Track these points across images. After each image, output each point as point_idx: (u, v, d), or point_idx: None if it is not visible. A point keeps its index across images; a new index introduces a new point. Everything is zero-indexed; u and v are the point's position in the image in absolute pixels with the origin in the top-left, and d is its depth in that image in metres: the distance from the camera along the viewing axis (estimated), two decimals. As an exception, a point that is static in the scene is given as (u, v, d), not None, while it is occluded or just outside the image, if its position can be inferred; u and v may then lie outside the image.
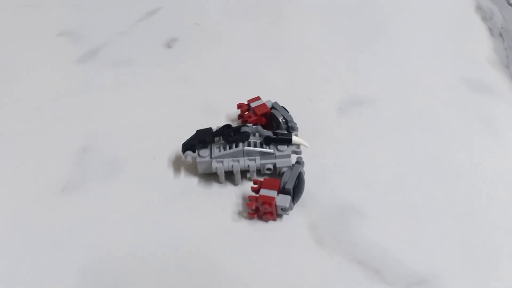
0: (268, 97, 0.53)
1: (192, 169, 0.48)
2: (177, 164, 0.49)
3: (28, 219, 0.45)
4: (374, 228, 0.44)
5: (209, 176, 0.48)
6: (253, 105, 0.52)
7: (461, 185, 0.47)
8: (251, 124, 0.49)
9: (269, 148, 0.46)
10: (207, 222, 0.44)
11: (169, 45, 0.66)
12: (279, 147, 0.46)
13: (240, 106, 0.52)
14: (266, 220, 0.44)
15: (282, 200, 0.43)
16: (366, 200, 0.46)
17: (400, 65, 0.63)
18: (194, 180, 0.48)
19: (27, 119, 0.56)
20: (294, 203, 0.44)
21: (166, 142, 0.51)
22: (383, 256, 0.42)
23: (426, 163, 0.50)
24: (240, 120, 0.53)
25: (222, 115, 0.55)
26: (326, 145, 0.51)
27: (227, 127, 0.46)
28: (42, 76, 0.62)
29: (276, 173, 0.47)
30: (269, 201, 0.42)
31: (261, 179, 0.45)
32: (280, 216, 0.44)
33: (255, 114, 0.51)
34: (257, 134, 0.47)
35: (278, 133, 0.47)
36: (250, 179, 0.47)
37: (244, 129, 0.46)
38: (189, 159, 0.46)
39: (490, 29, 0.68)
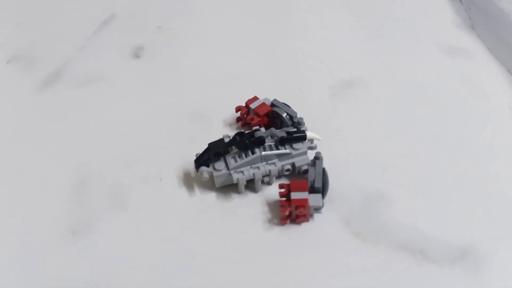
0: (258, 95, 0.51)
1: (206, 184, 0.46)
2: (188, 182, 0.46)
3: (40, 270, 0.40)
4: (404, 210, 0.44)
5: (226, 188, 0.45)
6: (252, 106, 0.49)
7: (468, 150, 0.49)
8: (258, 127, 0.47)
9: (285, 149, 0.45)
10: (237, 238, 0.42)
11: (136, 54, 0.62)
12: (295, 145, 0.45)
13: (238, 109, 0.50)
14: (300, 223, 0.43)
15: (315, 199, 0.41)
16: (387, 184, 0.46)
17: (379, 42, 0.63)
18: (211, 195, 0.45)
19: (5, 162, 0.49)
20: (323, 200, 0.43)
21: (168, 159, 0.48)
22: (421, 236, 0.42)
23: (429, 133, 0.51)
24: (240, 123, 0.51)
25: (216, 120, 0.52)
26: (331, 134, 0.50)
27: (240, 135, 0.44)
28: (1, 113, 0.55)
29: (295, 172, 0.46)
30: (303, 203, 0.41)
31: (283, 182, 0.43)
32: (312, 216, 0.43)
33: (258, 115, 0.49)
34: (269, 137, 0.45)
35: (291, 131, 0.45)
36: (268, 184, 0.45)
37: (258, 134, 0.44)
38: (206, 175, 0.43)
39: (447, -6, 0.70)
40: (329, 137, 0.50)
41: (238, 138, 0.44)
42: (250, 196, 0.45)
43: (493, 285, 0.39)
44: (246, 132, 0.45)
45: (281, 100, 0.50)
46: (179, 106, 0.54)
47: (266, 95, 0.51)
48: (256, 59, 0.61)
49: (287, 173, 0.45)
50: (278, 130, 0.45)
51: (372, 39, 0.63)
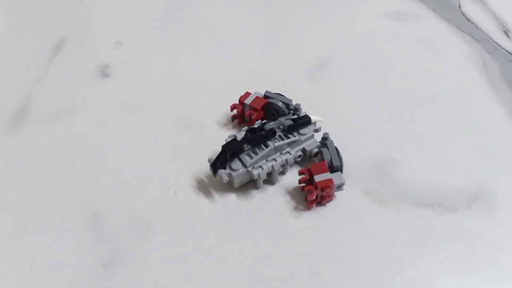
0: (237, 91, 0.51)
1: (223, 187, 0.45)
2: (204, 189, 0.46)
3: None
4: (411, 169, 0.47)
5: (243, 187, 0.45)
6: (247, 101, 0.50)
7: (443, 101, 0.54)
8: (259, 121, 0.47)
9: (294, 136, 0.46)
10: (273, 232, 0.42)
11: (104, 73, 0.59)
12: (301, 131, 0.46)
13: (234, 107, 0.50)
14: (325, 204, 0.44)
15: (337, 178, 0.43)
16: (388, 149, 0.49)
17: (331, 20, 0.66)
18: (232, 197, 0.45)
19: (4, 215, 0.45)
20: (342, 177, 0.45)
21: (175, 173, 0.47)
22: (434, 190, 0.45)
23: (406, 93, 0.55)
24: (236, 121, 0.51)
25: (209, 124, 0.52)
26: (322, 114, 0.51)
27: (251, 131, 0.44)
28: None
29: (306, 157, 0.47)
30: (329, 183, 0.42)
31: (300, 168, 0.45)
32: (334, 195, 0.44)
33: (255, 110, 0.49)
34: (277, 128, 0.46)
35: (295, 118, 0.46)
36: (282, 174, 0.46)
37: (268, 126, 0.44)
38: (225, 177, 0.43)
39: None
40: (322, 116, 0.51)
41: (250, 134, 0.44)
42: (269, 189, 0.46)
43: (508, 220, 0.42)
44: (256, 127, 0.45)
45: (262, 91, 0.51)
46: (166, 118, 0.53)
47: (248, 90, 0.52)
48: (225, 57, 0.61)
49: (299, 159, 0.46)
50: (283, 119, 0.46)
51: (322, 17, 0.66)
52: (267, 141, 0.44)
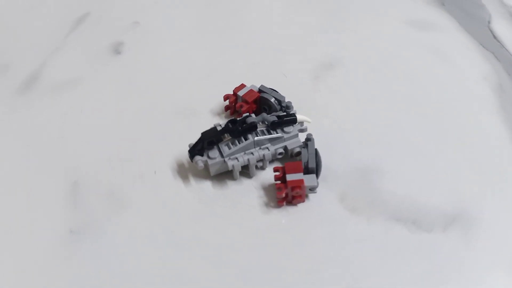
0: (238, 82, 0.51)
1: (201, 174, 0.46)
2: (183, 173, 0.47)
3: (42, 272, 0.40)
4: (395, 181, 0.45)
5: (221, 176, 0.46)
6: (240, 93, 0.50)
7: (447, 118, 0.51)
8: (247, 114, 0.47)
9: (277, 133, 0.45)
10: (238, 223, 0.43)
11: (117, 50, 0.61)
12: (285, 129, 0.46)
13: (227, 97, 0.51)
14: (296, 204, 0.44)
15: (309, 180, 0.43)
16: (377, 157, 0.47)
17: (349, 21, 0.65)
18: (207, 184, 0.46)
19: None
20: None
21: (160, 154, 0.48)
22: (413, 206, 0.43)
23: (409, 105, 0.53)
24: (229, 111, 0.52)
25: (204, 112, 0.53)
26: (318, 114, 0.51)
27: (232, 122, 0.44)
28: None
29: (288, 155, 0.47)
30: (299, 184, 0.42)
31: (277, 166, 0.44)
32: (307, 196, 0.44)
33: (246, 102, 0.49)
34: (260, 122, 0.46)
35: (281, 115, 0.46)
36: (262, 169, 0.46)
37: (249, 119, 0.45)
38: (201, 164, 0.44)
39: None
40: (317, 117, 0.50)
41: (230, 125, 0.44)
42: (245, 182, 0.46)
43: (484, 247, 0.41)
44: (238, 119, 0.45)
45: (266, 85, 0.51)
46: (165, 101, 0.54)
47: (250, 82, 0.52)
48: (234, 48, 0.61)
49: (280, 156, 0.46)
50: (269, 115, 0.46)
51: (342, 18, 0.65)
52: (248, 135, 0.45)
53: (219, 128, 0.45)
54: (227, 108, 0.51)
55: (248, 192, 0.45)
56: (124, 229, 0.43)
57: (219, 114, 0.52)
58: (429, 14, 0.65)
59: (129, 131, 0.51)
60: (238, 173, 0.45)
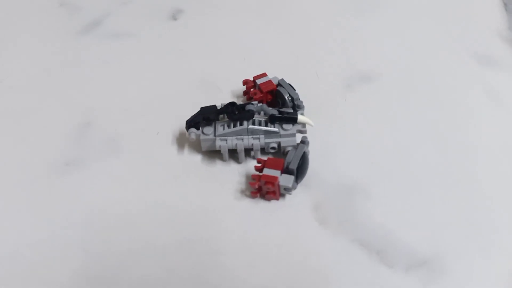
0: (274, 73, 0.52)
1: (196, 147, 0.48)
2: (181, 141, 0.49)
3: (30, 195, 0.45)
4: (379, 208, 0.44)
5: (213, 153, 0.47)
6: (259, 81, 0.51)
7: (468, 162, 0.47)
8: (256, 102, 0.48)
9: (274, 127, 0.46)
10: (209, 200, 0.44)
11: (174, 16, 0.65)
12: (284, 126, 0.46)
13: (245, 82, 0.52)
14: (269, 200, 0.44)
15: (285, 180, 0.42)
16: (371, 179, 0.46)
17: (408, 37, 0.61)
18: (198, 157, 0.48)
19: (22, 93, 0.55)
20: (297, 183, 0.44)
21: (170, 118, 0.51)
22: (386, 237, 0.42)
23: (434, 140, 0.49)
24: (246, 97, 0.52)
25: (226, 91, 0.54)
26: (332, 122, 0.51)
27: (231, 104, 0.45)
28: (39, 48, 0.61)
29: (280, 152, 0.47)
30: (272, 180, 0.42)
31: (266, 158, 0.45)
32: (283, 195, 0.44)
33: (261, 91, 0.50)
34: (262, 113, 0.47)
35: (283, 111, 0.46)
36: (254, 158, 0.47)
37: (248, 107, 0.45)
38: (193, 136, 0.46)
39: (505, 4, 0.66)
40: (328, 123, 0.50)
41: (229, 107, 0.45)
42: (233, 166, 0.47)
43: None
44: (239, 103, 0.46)
45: (294, 81, 0.51)
46: (196, 73, 0.57)
47: (282, 74, 0.52)
48: (281, 36, 0.61)
49: (272, 151, 0.46)
50: (270, 108, 0.47)
51: (405, 35, 0.61)
52: (244, 121, 0.45)
53: (218, 107, 0.46)
54: (245, 93, 0.52)
55: (231, 175, 0.46)
56: (110, 171, 0.47)
57: (238, 97, 0.54)
58: (498, 49, 0.60)
59: (153, 90, 0.55)
60: (227, 155, 0.46)
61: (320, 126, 0.49)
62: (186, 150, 0.48)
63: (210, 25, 0.63)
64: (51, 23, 0.64)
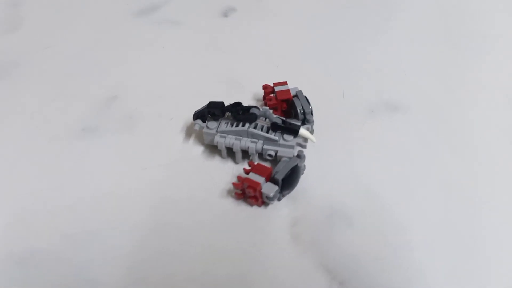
0: (302, 84, 0.52)
1: (202, 139, 0.50)
2: (190, 131, 0.51)
3: (44, 152, 0.49)
4: (357, 239, 0.42)
5: (215, 149, 0.49)
6: (277, 89, 0.51)
7: (474, 222, 0.43)
8: (267, 107, 0.48)
9: (275, 135, 0.46)
10: (195, 191, 0.45)
11: (225, 14, 0.67)
12: (285, 136, 0.46)
13: (265, 87, 0.52)
14: (251, 204, 0.44)
15: (268, 188, 0.42)
16: (359, 209, 0.44)
17: (447, 73, 0.58)
18: (200, 149, 0.49)
19: (70, 58, 0.61)
20: (283, 195, 0.44)
21: (188, 107, 0.52)
22: (354, 269, 0.40)
23: (442, 186, 0.46)
24: (264, 101, 0.53)
25: (248, 91, 0.55)
26: (341, 143, 0.50)
27: (237, 104, 0.46)
28: (96, 22, 0.66)
29: (277, 161, 0.47)
30: (254, 186, 0.42)
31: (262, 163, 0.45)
32: (266, 203, 0.44)
33: (276, 99, 0.50)
34: (267, 119, 0.47)
35: (287, 122, 0.46)
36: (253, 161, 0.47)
37: (253, 110, 0.46)
38: (197, 127, 0.47)
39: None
40: (337, 144, 0.49)
41: (234, 107, 0.46)
42: (229, 164, 0.48)
43: None
44: (245, 105, 0.47)
45: (319, 96, 0.51)
46: (227, 69, 0.59)
47: (310, 87, 0.52)
48: (319, 52, 0.61)
49: (269, 158, 0.47)
50: (275, 116, 0.47)
51: (445, 70, 0.58)
52: (246, 123, 0.46)
53: (226, 105, 0.47)
54: (263, 97, 0.53)
55: (224, 173, 0.47)
56: (118, 145, 0.50)
57: (257, 100, 0.54)
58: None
59: (182, 78, 0.57)
60: (225, 152, 0.47)
61: (327, 145, 0.48)
62: (192, 140, 0.50)
63: (257, 28, 0.65)
64: (112, 3, 0.69)
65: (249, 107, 0.46)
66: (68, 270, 0.40)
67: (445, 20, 0.67)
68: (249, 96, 0.55)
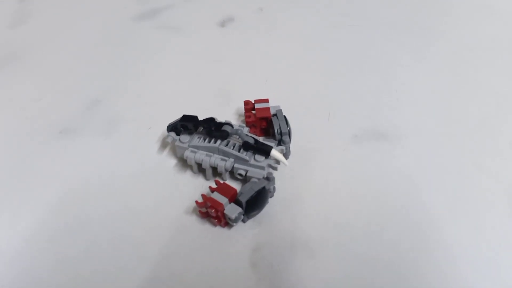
0: (289, 102, 0.51)
1: (176, 151, 0.49)
2: (165, 142, 0.50)
3: (20, 150, 0.50)
4: (318, 271, 0.40)
5: (186, 163, 0.48)
6: (257, 106, 0.50)
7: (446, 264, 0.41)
8: (244, 125, 0.47)
9: (246, 154, 0.45)
10: (160, 205, 0.44)
11: (223, 23, 0.66)
12: (257, 156, 0.44)
13: (246, 103, 0.51)
14: (214, 225, 0.43)
15: (231, 210, 0.41)
16: (325, 241, 0.42)
17: (449, 109, 0.55)
18: (173, 162, 0.48)
19: (62, 58, 0.61)
20: (247, 217, 0.43)
21: (169, 117, 0.51)
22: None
23: (417, 231, 0.43)
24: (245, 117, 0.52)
25: (233, 105, 0.54)
26: (318, 170, 0.48)
27: (210, 120, 0.45)
28: (95, 24, 0.66)
29: (247, 181, 0.45)
30: (216, 206, 0.41)
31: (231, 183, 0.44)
32: (230, 225, 0.43)
33: (255, 116, 0.49)
34: (234, 135, 0.46)
35: (259, 142, 0.45)
36: (223, 179, 0.46)
37: (225, 127, 0.45)
38: (169, 140, 0.46)
39: None
40: (313, 169, 0.48)
41: (207, 122, 0.45)
42: (200, 180, 0.47)
43: None
44: (218, 121, 0.46)
45: (304, 116, 0.50)
46: (217, 80, 0.58)
47: (295, 105, 0.51)
48: (311, 71, 0.59)
49: (239, 177, 0.45)
50: (248, 135, 0.45)
51: (450, 106, 0.55)
52: (218, 139, 0.45)
53: (200, 119, 0.46)
54: (245, 112, 0.52)
55: (193, 188, 0.46)
56: (92, 149, 0.50)
57: (239, 115, 0.53)
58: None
59: (171, 86, 0.57)
60: (196, 168, 0.46)
61: (302, 168, 0.47)
62: (166, 152, 0.49)
63: (252, 40, 0.64)
64: (118, 3, 0.69)
65: (221, 124, 0.45)
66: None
67: (458, 48, 0.64)
68: (232, 111, 0.54)
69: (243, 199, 0.41)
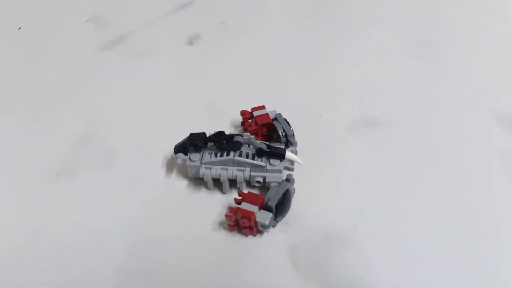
0: (278, 106, 0.51)
1: (184, 172, 0.48)
2: (171, 164, 0.49)
3: (17, 199, 0.46)
4: (356, 259, 0.41)
5: (199, 181, 0.47)
6: (255, 113, 0.50)
7: (465, 229, 0.44)
8: (249, 134, 0.48)
9: (261, 161, 0.45)
10: (186, 228, 0.44)
11: (190, 42, 0.66)
12: (271, 161, 0.45)
13: (243, 113, 0.51)
14: (246, 234, 0.43)
15: (263, 216, 0.41)
16: (354, 229, 0.44)
17: (427, 89, 0.59)
18: (184, 183, 0.48)
19: (36, 99, 0.58)
20: (277, 221, 0.43)
21: (166, 139, 0.51)
22: (359, 290, 0.39)
23: (431, 200, 0.46)
24: (243, 127, 0.52)
25: (226, 118, 0.54)
26: (327, 165, 0.49)
27: (220, 134, 0.45)
28: (60, 60, 0.64)
29: (266, 187, 0.46)
30: (248, 216, 0.41)
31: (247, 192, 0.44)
32: (261, 232, 0.43)
33: (256, 124, 0.49)
34: (251, 145, 0.46)
35: (272, 146, 0.45)
36: (241, 189, 0.46)
37: (236, 138, 0.45)
38: (179, 161, 0.46)
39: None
40: (322, 165, 0.49)
41: (217, 136, 0.45)
42: (217, 195, 0.46)
43: None
44: (227, 134, 0.46)
45: (297, 117, 0.51)
46: (202, 97, 0.58)
47: (286, 109, 0.52)
48: (293, 73, 0.61)
49: (257, 185, 0.46)
50: (259, 141, 0.46)
51: (425, 86, 0.59)
52: (231, 151, 0.45)
53: (208, 135, 0.46)
54: (242, 123, 0.52)
55: (213, 205, 0.45)
56: (95, 186, 0.47)
57: (235, 126, 0.53)
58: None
59: (158, 109, 0.56)
60: (211, 184, 0.46)
61: (313, 167, 0.48)
62: (174, 175, 0.48)
63: (225, 53, 0.65)
64: (76, 38, 0.67)
65: (232, 135, 0.45)
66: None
67: (420, 33, 0.68)
68: (227, 123, 0.54)
69: (273, 203, 0.42)
